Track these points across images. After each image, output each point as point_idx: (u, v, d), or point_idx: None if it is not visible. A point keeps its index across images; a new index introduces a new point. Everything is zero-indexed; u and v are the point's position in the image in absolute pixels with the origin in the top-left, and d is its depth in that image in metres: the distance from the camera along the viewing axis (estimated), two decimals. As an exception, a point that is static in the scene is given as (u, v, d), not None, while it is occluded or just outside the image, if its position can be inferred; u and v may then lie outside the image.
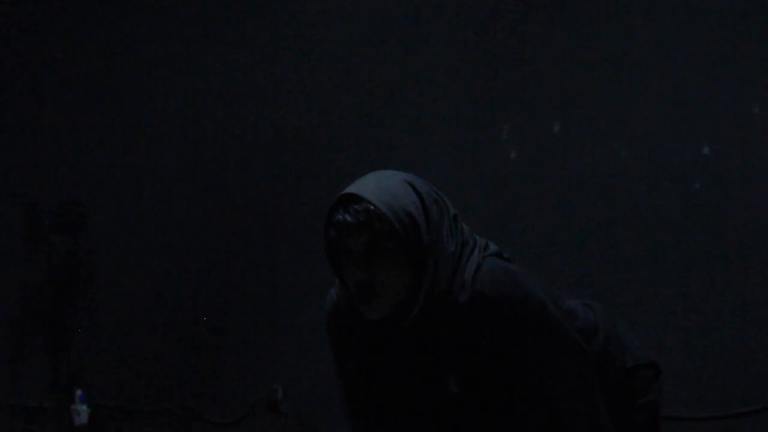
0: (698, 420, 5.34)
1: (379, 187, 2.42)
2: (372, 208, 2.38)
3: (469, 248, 2.48)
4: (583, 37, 5.78)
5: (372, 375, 2.56)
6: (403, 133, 6.26)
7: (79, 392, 6.65)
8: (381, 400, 2.57)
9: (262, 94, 6.68)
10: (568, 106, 5.76)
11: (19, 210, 6.83)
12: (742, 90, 5.42)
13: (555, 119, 5.83)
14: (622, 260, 5.58)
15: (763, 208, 5.34)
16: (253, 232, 6.73)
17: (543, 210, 5.84)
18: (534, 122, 5.87)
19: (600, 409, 2.44)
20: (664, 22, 5.60)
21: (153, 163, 6.95)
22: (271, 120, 6.64)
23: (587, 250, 5.69)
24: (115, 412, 6.88)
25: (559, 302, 2.59)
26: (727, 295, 5.33)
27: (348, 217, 2.41)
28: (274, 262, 6.67)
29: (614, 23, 5.73)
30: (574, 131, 5.76)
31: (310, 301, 6.55)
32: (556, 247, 5.77)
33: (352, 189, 2.43)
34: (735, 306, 5.29)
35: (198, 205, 6.86)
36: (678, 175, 5.52)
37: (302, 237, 6.58)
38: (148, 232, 6.94)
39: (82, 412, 6.64)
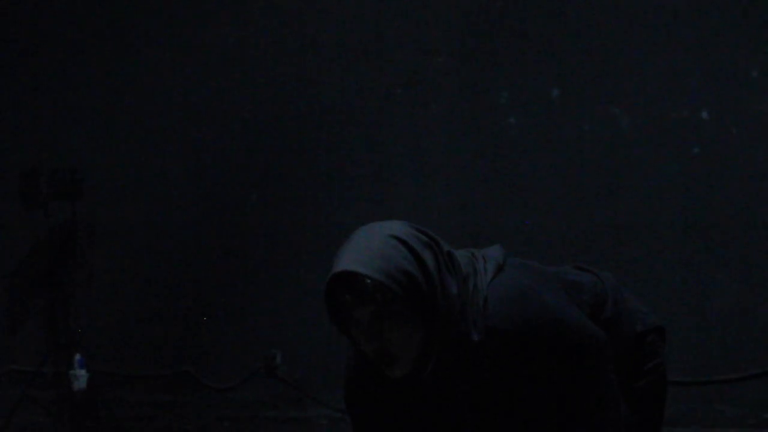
0: (700, 384, 5.38)
1: (369, 253, 2.37)
2: (369, 282, 2.34)
3: (471, 282, 2.47)
4: (582, 3, 5.77)
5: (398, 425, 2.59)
6: (402, 101, 6.26)
7: (77, 357, 6.65)
8: None
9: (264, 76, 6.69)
10: (566, 72, 5.76)
11: (16, 176, 6.82)
12: (741, 55, 5.42)
13: (553, 85, 5.83)
14: (623, 225, 5.60)
15: (762, 172, 5.35)
16: (253, 197, 6.73)
17: (542, 175, 5.85)
18: (533, 88, 5.87)
19: (619, 410, 2.49)
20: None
21: (151, 129, 6.94)
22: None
23: (587, 215, 5.71)
24: (114, 378, 6.90)
25: (566, 282, 2.59)
26: (727, 259, 5.36)
27: (348, 297, 2.37)
28: (274, 226, 6.68)
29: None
30: (572, 97, 5.76)
31: (309, 266, 6.56)
32: (555, 213, 5.78)
33: (344, 266, 2.37)
34: (734, 269, 5.32)
35: (196, 170, 6.85)
36: (677, 140, 5.53)
37: (303, 202, 6.59)
38: (146, 198, 6.93)
39: (80, 377, 6.63)
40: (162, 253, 6.90)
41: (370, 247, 2.38)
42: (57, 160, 6.91)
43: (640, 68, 5.63)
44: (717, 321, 5.37)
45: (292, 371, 6.52)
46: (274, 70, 6.66)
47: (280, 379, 6.56)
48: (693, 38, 5.52)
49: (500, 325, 2.41)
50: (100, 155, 7.01)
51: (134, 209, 6.97)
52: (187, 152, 6.88)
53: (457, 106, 6.05)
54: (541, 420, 2.50)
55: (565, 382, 2.46)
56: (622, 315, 2.64)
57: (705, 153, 5.45)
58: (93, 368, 6.66)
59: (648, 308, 2.75)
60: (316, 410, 6.48)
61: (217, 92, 6.82)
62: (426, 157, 6.21)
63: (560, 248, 5.64)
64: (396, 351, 2.39)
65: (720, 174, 5.43)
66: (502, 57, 5.94)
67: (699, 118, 5.47)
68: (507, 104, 5.91)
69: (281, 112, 6.64)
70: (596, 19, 5.73)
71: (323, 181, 6.57)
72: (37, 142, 7.11)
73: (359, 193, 6.47)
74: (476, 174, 5.98)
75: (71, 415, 6.58)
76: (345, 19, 6.48)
